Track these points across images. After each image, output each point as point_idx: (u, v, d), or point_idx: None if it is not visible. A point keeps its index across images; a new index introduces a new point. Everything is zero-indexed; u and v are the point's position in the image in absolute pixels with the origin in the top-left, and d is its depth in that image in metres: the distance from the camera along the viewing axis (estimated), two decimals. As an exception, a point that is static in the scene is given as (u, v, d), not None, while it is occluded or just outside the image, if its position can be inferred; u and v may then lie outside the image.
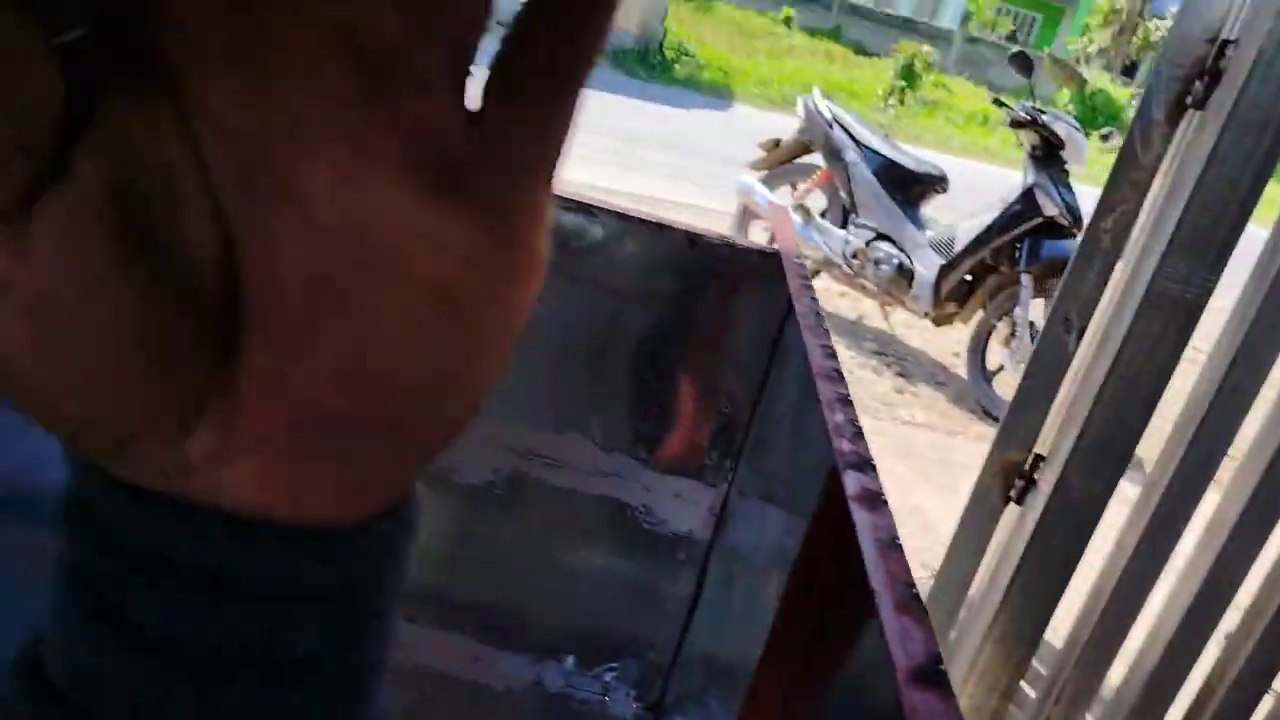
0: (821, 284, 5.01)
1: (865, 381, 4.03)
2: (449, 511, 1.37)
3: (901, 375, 4.23)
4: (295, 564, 0.21)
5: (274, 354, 0.19)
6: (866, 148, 4.60)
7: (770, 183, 4.97)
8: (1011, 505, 1.60)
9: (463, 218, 0.19)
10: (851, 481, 0.70)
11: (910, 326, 4.76)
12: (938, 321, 4.31)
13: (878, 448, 3.14)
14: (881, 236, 4.42)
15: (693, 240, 1.27)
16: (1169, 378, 1.43)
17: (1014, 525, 1.58)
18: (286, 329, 0.19)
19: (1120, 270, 1.47)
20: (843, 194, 4.66)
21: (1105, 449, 1.47)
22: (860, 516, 0.65)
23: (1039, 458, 1.55)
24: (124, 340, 0.18)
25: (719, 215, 5.31)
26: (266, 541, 0.20)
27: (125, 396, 0.18)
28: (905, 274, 4.27)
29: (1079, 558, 1.51)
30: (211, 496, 0.20)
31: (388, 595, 0.23)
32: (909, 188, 4.51)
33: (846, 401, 0.84)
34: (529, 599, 1.42)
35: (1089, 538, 1.51)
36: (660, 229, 1.27)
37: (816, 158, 4.85)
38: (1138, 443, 1.47)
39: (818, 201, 4.84)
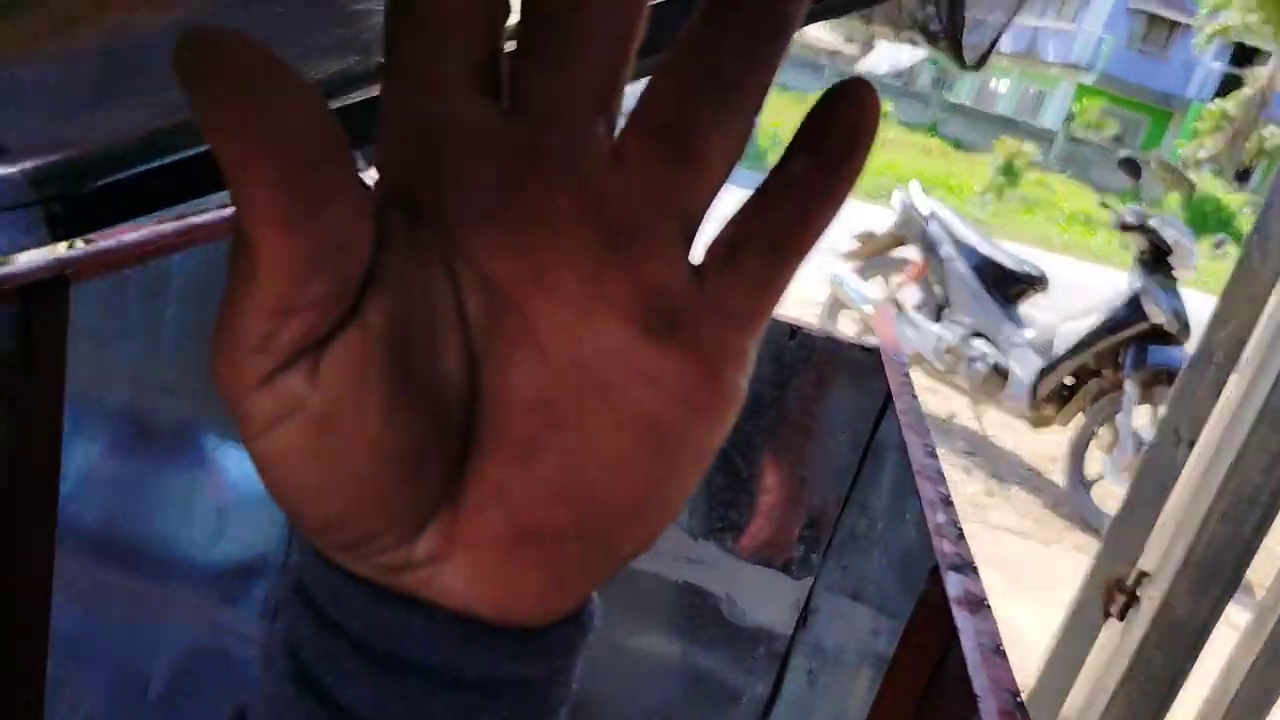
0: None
1: (955, 483, 3.92)
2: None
3: (994, 477, 4.10)
4: (493, 658, 0.23)
5: (500, 468, 0.22)
6: (963, 243, 4.57)
7: (863, 274, 4.96)
8: (1112, 621, 1.53)
9: (678, 360, 0.21)
10: (954, 583, 0.69)
11: (1004, 427, 4.63)
12: (1035, 424, 4.18)
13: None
14: (977, 334, 4.35)
15: (793, 332, 1.28)
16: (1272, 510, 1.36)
17: (1115, 643, 1.51)
18: (513, 447, 0.22)
19: (1234, 384, 1.42)
20: (937, 289, 4.62)
21: (1214, 569, 1.40)
22: (963, 620, 0.64)
23: (1143, 574, 1.49)
24: (383, 453, 0.20)
25: (810, 305, 5.30)
26: (470, 636, 0.23)
27: (375, 500, 0.21)
28: (1000, 373, 4.18)
29: (1183, 680, 1.43)
30: (426, 591, 0.22)
31: (565, 691, 0.25)
32: (1007, 286, 4.44)
33: (948, 502, 0.83)
34: (598, 684, 1.41)
35: (1194, 660, 1.43)
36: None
37: (911, 251, 4.83)
38: (1249, 564, 1.39)
39: (911, 296, 4.80)
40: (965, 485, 3.92)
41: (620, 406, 0.21)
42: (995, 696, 0.54)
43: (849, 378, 1.24)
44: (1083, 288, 7.28)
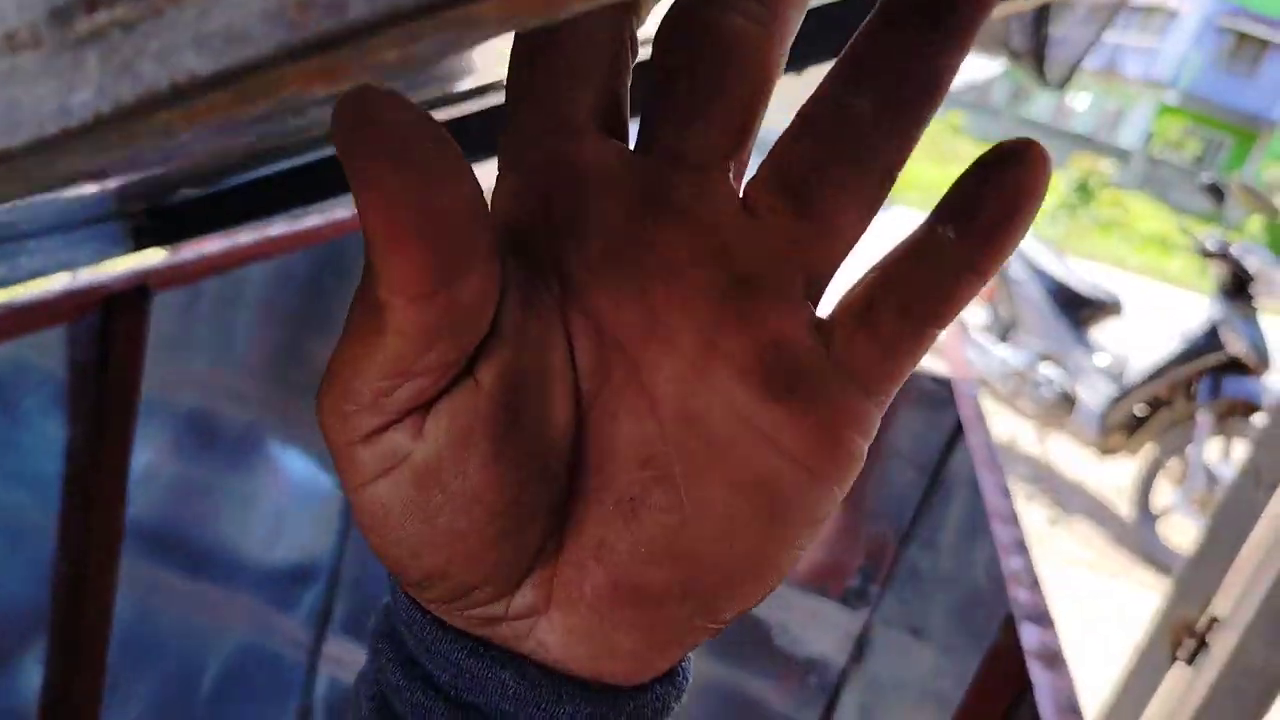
0: (975, 400, 4.83)
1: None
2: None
3: (1057, 506, 3.99)
4: (582, 716, 0.22)
5: (602, 524, 0.21)
6: (1036, 265, 4.46)
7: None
8: (1179, 665, 1.47)
9: (797, 420, 0.20)
10: (1030, 635, 0.67)
11: (1069, 455, 4.51)
12: (1102, 452, 4.06)
13: (1027, 582, 2.92)
14: (1045, 358, 4.25)
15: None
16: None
17: (1182, 689, 1.45)
18: (617, 502, 0.21)
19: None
20: (1004, 310, 4.52)
21: (1293, 623, 1.34)
22: (1038, 675, 0.62)
23: (1214, 619, 1.43)
24: (486, 506, 0.20)
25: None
26: (562, 693, 0.22)
27: (476, 555, 0.20)
28: (1068, 400, 4.07)
29: (1260, 735, 1.36)
30: (520, 645, 0.22)
31: None
32: (1079, 310, 4.33)
33: (1023, 547, 0.80)
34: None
35: (1266, 711, 1.37)
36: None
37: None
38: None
39: (977, 316, 4.71)
40: (1026, 515, 3.82)
41: (732, 465, 0.20)
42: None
43: (918, 407, 1.22)
44: (1158, 312, 7.07)
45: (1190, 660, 1.47)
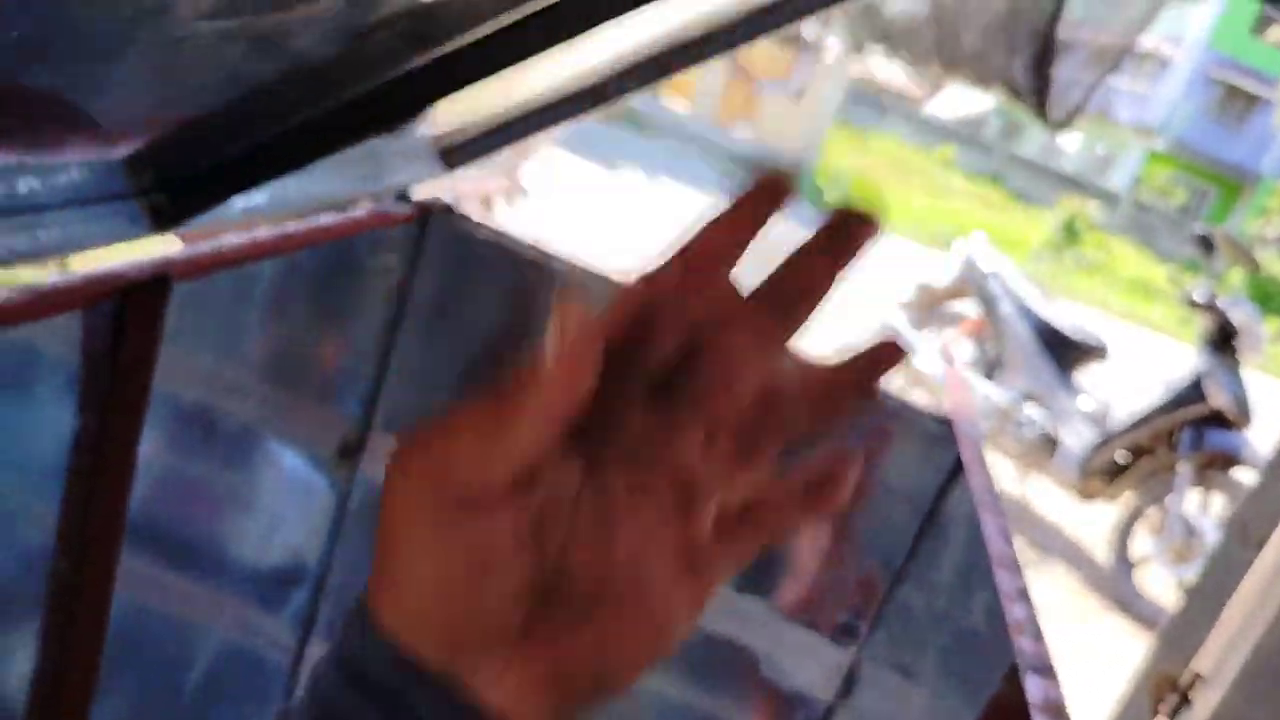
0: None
1: (993, 545, 3.83)
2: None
3: (1034, 547, 4.01)
4: None
5: (557, 628, 0.30)
6: (1024, 304, 4.49)
7: (915, 323, 4.90)
8: (1161, 722, 1.47)
9: (699, 588, 0.32)
10: (1034, 688, 0.66)
11: (1047, 495, 4.54)
12: (1081, 496, 4.09)
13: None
14: (1029, 397, 4.27)
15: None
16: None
17: (1162, 747, 1.45)
18: (571, 617, 0.30)
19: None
20: (990, 347, 4.55)
21: (1276, 678, 1.34)
22: (1044, 734, 0.61)
23: (1198, 676, 1.43)
24: (500, 598, 0.29)
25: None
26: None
27: (480, 630, 0.29)
28: (1050, 441, 4.10)
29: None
30: (474, 696, 0.29)
31: None
32: (1065, 352, 4.36)
33: (1026, 596, 0.80)
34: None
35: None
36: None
37: (968, 305, 4.76)
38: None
39: (964, 351, 4.73)
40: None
41: (650, 612, 0.31)
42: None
43: (917, 444, 1.21)
44: (1140, 359, 7.13)
45: (1172, 716, 1.47)
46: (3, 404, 0.74)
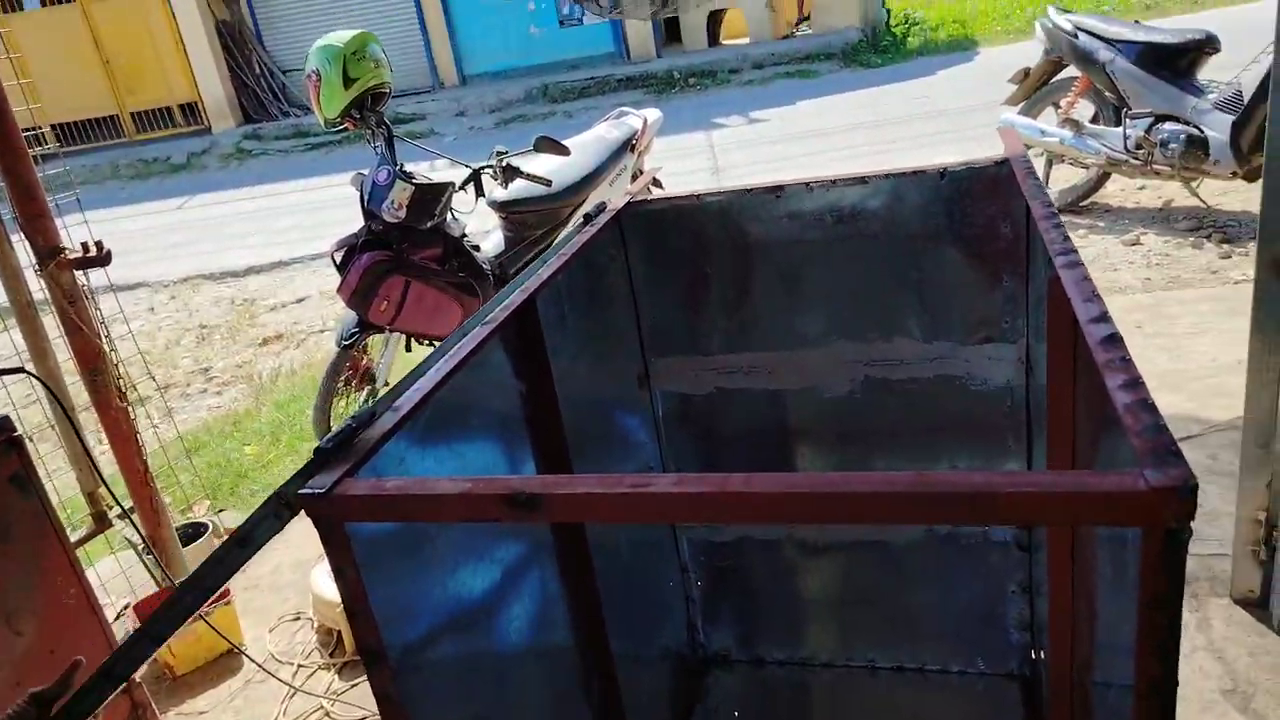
0: (1116, 186, 5.02)
1: (1185, 260, 4.06)
2: (827, 417, 1.94)
3: (1225, 242, 4.18)
4: None
5: None
6: (1118, 41, 4.64)
7: (1031, 111, 5.11)
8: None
9: None
10: (1070, 283, 1.18)
11: (1225, 193, 4.65)
12: (1249, 178, 4.21)
13: (1208, 309, 3.25)
14: (1162, 118, 4.42)
15: (942, 174, 1.77)
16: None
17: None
18: None
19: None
20: (1108, 94, 4.71)
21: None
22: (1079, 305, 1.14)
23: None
24: None
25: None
26: None
27: None
28: (1198, 144, 4.24)
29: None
30: None
31: None
32: (1176, 61, 4.48)
33: (1072, 254, 1.28)
34: (897, 463, 1.94)
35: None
36: (916, 174, 1.78)
37: (1072, 71, 4.94)
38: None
39: (1085, 111, 4.91)
40: (1196, 258, 4.06)
41: None
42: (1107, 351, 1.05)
43: (997, 189, 1.71)
44: (1256, 29, 6.83)
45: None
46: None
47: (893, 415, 1.92)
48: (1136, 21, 4.85)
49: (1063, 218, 4.86)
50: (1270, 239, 1.88)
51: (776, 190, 1.86)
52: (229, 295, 6.27)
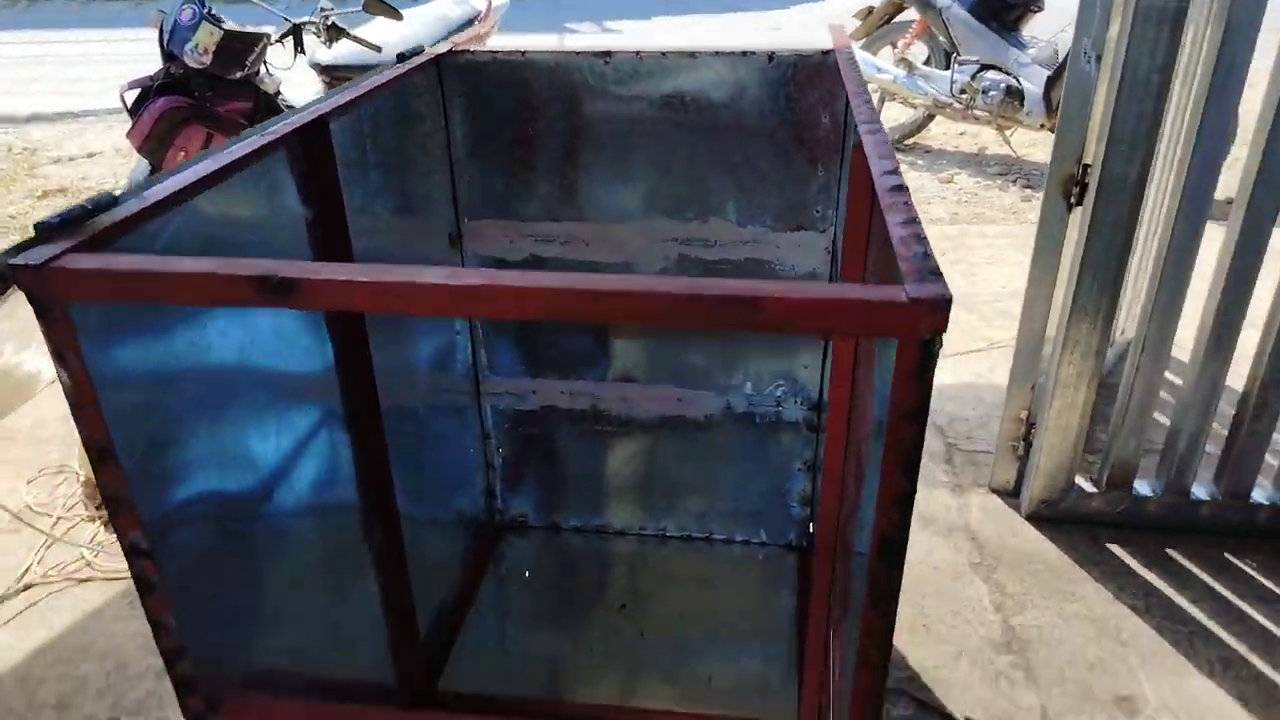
0: (940, 129, 5.26)
1: (991, 199, 4.32)
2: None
3: (1027, 187, 4.48)
4: None
5: None
6: (954, -12, 4.81)
7: (871, 48, 5.25)
8: (1075, 211, 2.01)
9: None
10: (870, 145, 1.19)
11: (1034, 144, 4.96)
12: (1053, 131, 4.50)
13: (1005, 244, 3.47)
14: (986, 66, 4.65)
15: (770, 57, 1.76)
16: (1170, 74, 1.79)
17: (1079, 223, 1.99)
18: None
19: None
20: (941, 38, 4.89)
21: (1132, 142, 1.85)
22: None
23: (1085, 166, 1.95)
24: None
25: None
26: None
27: None
28: (1015, 95, 4.49)
29: (1132, 233, 1.91)
30: None
31: None
32: (1004, 15, 4.69)
33: (875, 124, 1.30)
34: (709, 350, 1.97)
35: (1137, 214, 1.90)
36: (744, 55, 1.76)
37: (912, 14, 5.09)
38: (1159, 128, 1.83)
39: (920, 53, 5.09)
40: (1002, 199, 4.32)
41: None
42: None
43: (822, 79, 1.72)
44: None
45: (1080, 201, 2.00)
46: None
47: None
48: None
49: (888, 153, 5.09)
50: (1061, 159, 1.99)
51: (605, 55, 1.80)
52: (6, 143, 5.61)
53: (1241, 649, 1.75)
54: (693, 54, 1.78)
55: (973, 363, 2.77)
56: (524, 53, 1.82)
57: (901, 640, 1.79)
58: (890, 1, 5.16)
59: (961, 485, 2.22)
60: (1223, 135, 1.84)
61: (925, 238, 0.85)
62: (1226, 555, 1.98)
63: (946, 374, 2.70)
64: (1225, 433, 2.05)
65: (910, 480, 0.81)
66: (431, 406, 1.90)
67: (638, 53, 1.80)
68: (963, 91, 4.63)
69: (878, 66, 5.02)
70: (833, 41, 1.78)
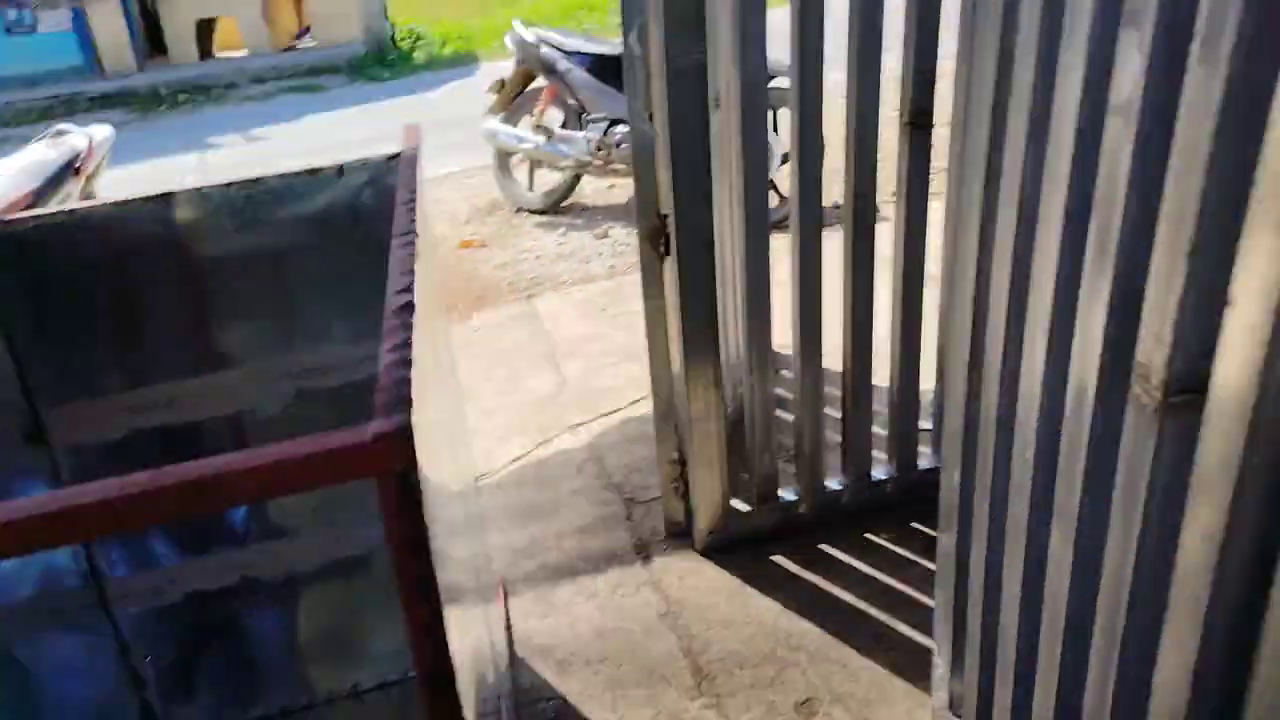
0: (591, 185, 5.53)
1: (625, 243, 4.59)
2: (269, 438, 1.85)
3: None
4: None
5: None
6: (574, 53, 5.10)
7: (512, 120, 5.43)
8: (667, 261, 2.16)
9: None
10: (393, 261, 1.21)
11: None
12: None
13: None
14: (615, 122, 4.95)
15: (340, 171, 1.76)
16: (705, 134, 1.97)
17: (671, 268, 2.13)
18: None
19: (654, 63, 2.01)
20: (570, 101, 5.16)
21: (693, 190, 2.02)
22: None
23: (664, 216, 2.11)
24: None
25: (484, 169, 5.75)
26: None
27: None
28: (645, 144, 4.81)
29: (713, 267, 2.07)
30: None
31: None
32: (620, 72, 5.03)
33: (407, 235, 1.32)
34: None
35: (712, 251, 2.07)
36: (314, 173, 1.75)
37: (543, 81, 5.32)
38: (710, 171, 2.01)
39: (556, 117, 5.33)
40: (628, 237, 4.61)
41: None
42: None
43: (390, 182, 1.73)
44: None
45: (668, 250, 2.14)
46: None
47: (337, 424, 1.87)
48: (588, 35, 5.36)
49: (546, 218, 5.28)
50: (644, 213, 2.13)
51: (164, 199, 1.72)
52: None
53: (890, 620, 1.95)
54: (258, 180, 1.74)
55: (641, 410, 2.90)
56: (72, 211, 1.70)
57: (606, 717, 1.82)
58: (520, 71, 5.36)
59: (643, 538, 2.31)
60: (764, 155, 2.04)
61: (410, 361, 0.88)
62: (867, 535, 2.20)
63: (615, 431, 2.81)
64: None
65: (433, 606, 0.82)
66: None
67: (199, 190, 1.73)
68: (599, 148, 4.90)
69: (519, 137, 5.21)
70: (403, 142, 1.81)
